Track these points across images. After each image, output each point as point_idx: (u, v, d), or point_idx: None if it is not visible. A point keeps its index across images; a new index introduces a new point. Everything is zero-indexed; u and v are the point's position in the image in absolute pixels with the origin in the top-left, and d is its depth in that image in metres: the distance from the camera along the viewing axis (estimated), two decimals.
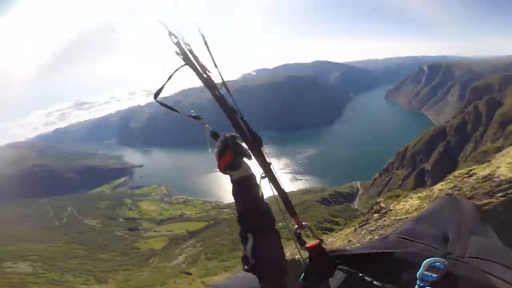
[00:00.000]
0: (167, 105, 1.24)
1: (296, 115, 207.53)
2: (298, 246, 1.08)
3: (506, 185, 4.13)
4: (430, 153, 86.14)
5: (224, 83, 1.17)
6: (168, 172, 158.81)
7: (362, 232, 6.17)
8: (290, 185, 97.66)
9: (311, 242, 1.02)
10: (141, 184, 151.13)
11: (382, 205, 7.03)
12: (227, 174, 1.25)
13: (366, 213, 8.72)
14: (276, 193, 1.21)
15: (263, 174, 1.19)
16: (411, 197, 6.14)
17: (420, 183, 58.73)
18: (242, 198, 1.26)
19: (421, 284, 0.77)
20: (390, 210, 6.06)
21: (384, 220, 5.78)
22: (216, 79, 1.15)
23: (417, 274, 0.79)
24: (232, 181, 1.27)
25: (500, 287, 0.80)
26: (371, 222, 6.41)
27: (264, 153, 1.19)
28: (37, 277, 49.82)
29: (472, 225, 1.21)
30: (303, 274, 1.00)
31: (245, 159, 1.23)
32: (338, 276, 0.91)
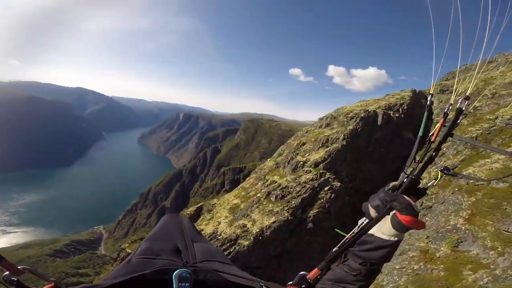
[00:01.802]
0: None
1: (26, 149, 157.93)
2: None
3: (228, 244, 7.70)
4: (169, 192, 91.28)
5: None
6: None
7: None
8: None
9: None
10: None
11: (128, 251, 8.98)
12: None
13: (116, 259, 10.93)
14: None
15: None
16: None
17: None
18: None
19: None
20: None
21: None
22: None
23: None
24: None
25: (228, 279, 1.02)
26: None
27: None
28: None
29: (192, 234, 1.47)
30: None
31: None
32: None
